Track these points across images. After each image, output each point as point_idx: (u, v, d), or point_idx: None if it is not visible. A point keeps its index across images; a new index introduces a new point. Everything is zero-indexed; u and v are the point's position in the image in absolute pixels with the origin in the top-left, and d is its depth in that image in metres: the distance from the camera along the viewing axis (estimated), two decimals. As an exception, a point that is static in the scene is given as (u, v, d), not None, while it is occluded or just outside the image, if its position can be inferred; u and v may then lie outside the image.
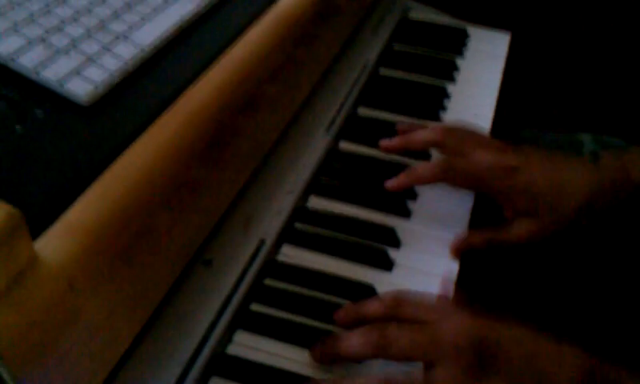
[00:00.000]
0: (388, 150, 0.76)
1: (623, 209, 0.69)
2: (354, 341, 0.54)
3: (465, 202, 0.74)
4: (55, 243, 0.42)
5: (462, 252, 0.69)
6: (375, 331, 0.54)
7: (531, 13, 1.13)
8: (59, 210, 0.43)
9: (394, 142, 0.75)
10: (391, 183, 0.72)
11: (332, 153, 0.78)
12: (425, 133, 0.73)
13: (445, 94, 0.90)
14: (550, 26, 1.14)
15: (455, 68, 0.95)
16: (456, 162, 0.70)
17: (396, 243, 0.68)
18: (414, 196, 0.73)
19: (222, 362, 0.56)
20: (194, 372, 0.53)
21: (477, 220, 0.73)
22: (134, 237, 0.48)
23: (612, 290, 0.78)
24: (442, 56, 0.97)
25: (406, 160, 0.77)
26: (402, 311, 0.56)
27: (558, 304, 0.77)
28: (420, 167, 0.71)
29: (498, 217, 0.71)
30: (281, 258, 0.65)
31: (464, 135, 0.72)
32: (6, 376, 0.37)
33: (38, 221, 0.42)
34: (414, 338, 0.53)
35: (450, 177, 0.70)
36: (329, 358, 0.56)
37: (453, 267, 0.67)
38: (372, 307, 0.57)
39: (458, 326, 0.53)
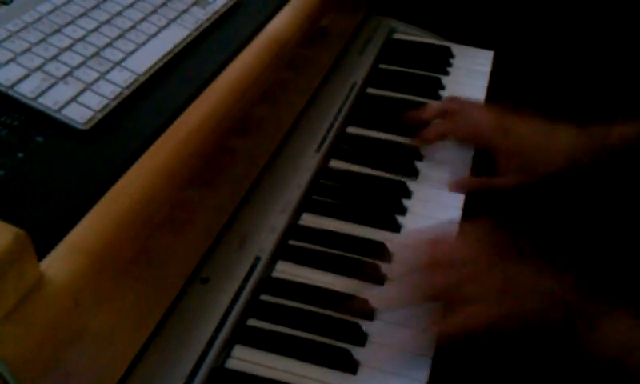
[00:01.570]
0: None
1: (605, 164, 0.80)
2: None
3: (454, 210, 0.76)
4: (60, 263, 0.43)
5: (456, 189, 0.79)
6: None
7: (514, 31, 1.15)
8: (64, 232, 0.45)
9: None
10: None
11: (323, 171, 0.80)
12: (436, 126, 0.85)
13: (431, 112, 0.91)
14: (533, 43, 1.16)
15: (440, 86, 0.97)
16: (460, 118, 0.85)
17: (387, 257, 0.70)
18: (403, 211, 0.75)
19: (221, 376, 0.57)
20: (195, 386, 0.55)
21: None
22: (134, 256, 0.50)
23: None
24: (427, 74, 0.99)
25: (394, 177, 0.79)
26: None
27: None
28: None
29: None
30: (276, 274, 0.67)
31: (465, 102, 0.88)
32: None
33: (44, 242, 0.44)
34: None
35: (452, 130, 0.84)
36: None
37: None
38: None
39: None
